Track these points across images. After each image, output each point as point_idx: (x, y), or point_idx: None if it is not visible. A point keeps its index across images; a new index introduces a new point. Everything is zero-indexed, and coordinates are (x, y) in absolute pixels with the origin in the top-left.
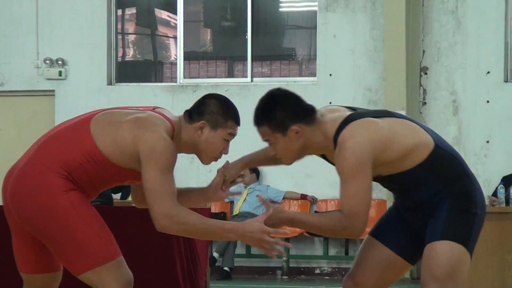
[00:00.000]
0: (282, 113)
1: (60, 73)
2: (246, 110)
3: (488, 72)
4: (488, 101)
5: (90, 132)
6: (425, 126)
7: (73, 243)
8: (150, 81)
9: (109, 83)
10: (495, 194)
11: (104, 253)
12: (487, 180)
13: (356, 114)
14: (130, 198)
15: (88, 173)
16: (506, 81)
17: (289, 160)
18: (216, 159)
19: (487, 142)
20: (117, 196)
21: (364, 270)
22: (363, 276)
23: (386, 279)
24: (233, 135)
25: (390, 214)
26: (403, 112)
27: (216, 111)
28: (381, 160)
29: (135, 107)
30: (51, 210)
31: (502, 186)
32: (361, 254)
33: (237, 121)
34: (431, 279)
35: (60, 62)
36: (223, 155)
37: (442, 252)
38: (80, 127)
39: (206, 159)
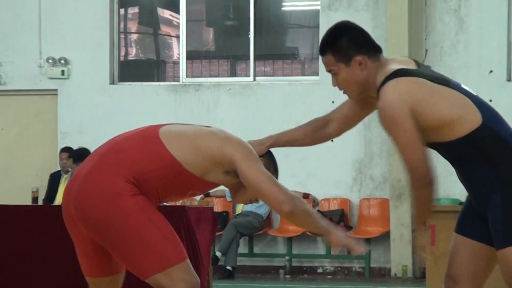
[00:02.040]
0: (347, 42)
1: (63, 72)
2: (249, 109)
3: (491, 71)
4: (490, 100)
5: (162, 142)
6: (484, 104)
7: (141, 244)
8: (153, 80)
9: (112, 82)
10: None
11: (174, 254)
12: None
13: (403, 71)
14: None
15: (156, 182)
16: (509, 80)
17: (352, 93)
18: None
19: None
20: None
21: (456, 264)
22: (457, 270)
23: (479, 270)
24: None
25: (466, 205)
26: None
27: None
28: (420, 122)
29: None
30: (119, 212)
31: None
32: (451, 251)
33: None
34: None
35: (62, 61)
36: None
37: None
38: (148, 137)
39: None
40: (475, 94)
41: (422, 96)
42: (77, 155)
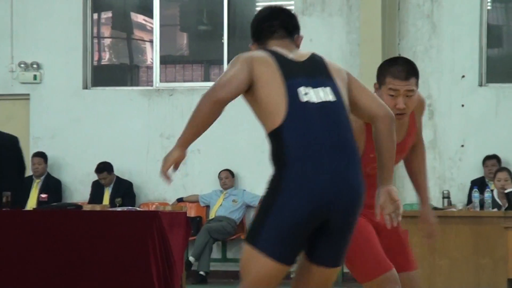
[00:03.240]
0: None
1: (35, 77)
2: (222, 113)
3: (463, 76)
4: (463, 105)
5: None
6: (300, 113)
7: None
8: (126, 85)
9: (85, 87)
10: (469, 198)
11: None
12: (462, 184)
13: None
14: (104, 202)
15: None
16: (480, 85)
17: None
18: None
19: (462, 146)
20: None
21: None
22: None
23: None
24: (393, 89)
25: None
26: None
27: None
28: None
29: None
30: None
31: (477, 190)
32: None
33: (394, 76)
34: None
35: (35, 66)
36: None
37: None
38: None
39: None
40: (305, 100)
41: None
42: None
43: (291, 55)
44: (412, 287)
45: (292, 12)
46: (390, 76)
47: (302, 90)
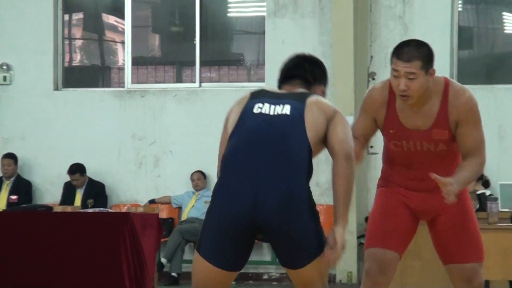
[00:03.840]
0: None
1: (4, 78)
2: (195, 115)
3: None
4: None
5: None
6: (244, 140)
7: None
8: (97, 86)
9: (56, 88)
10: None
11: None
12: None
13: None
14: (76, 204)
15: None
16: None
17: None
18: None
19: None
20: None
21: None
22: None
23: None
24: (395, 70)
25: None
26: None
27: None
28: None
29: None
30: None
31: None
32: None
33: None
34: None
35: (5, 67)
36: None
37: None
38: None
39: None
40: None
41: None
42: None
43: (280, 91)
44: (463, 278)
45: (314, 60)
46: (394, 56)
47: (258, 104)
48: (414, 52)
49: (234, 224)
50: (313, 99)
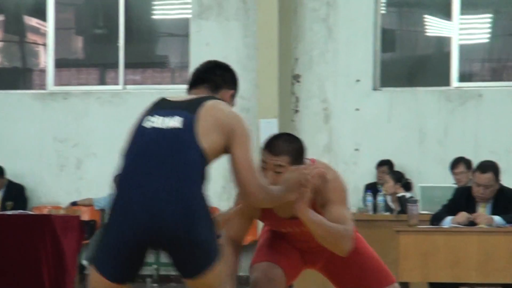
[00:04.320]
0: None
1: None
2: (119, 117)
3: (358, 80)
4: (357, 109)
5: None
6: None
7: None
8: (18, 89)
9: None
10: (364, 202)
11: None
12: (356, 187)
13: None
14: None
15: None
16: (374, 89)
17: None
18: None
19: (356, 150)
20: None
21: None
22: None
23: None
24: (265, 162)
25: None
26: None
27: None
28: None
29: None
30: None
31: (370, 193)
32: None
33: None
34: None
35: None
36: None
37: None
38: None
39: None
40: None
41: None
42: None
43: (178, 98)
44: None
45: (224, 66)
46: (265, 148)
47: (150, 118)
48: (284, 146)
49: (130, 239)
50: (209, 105)
